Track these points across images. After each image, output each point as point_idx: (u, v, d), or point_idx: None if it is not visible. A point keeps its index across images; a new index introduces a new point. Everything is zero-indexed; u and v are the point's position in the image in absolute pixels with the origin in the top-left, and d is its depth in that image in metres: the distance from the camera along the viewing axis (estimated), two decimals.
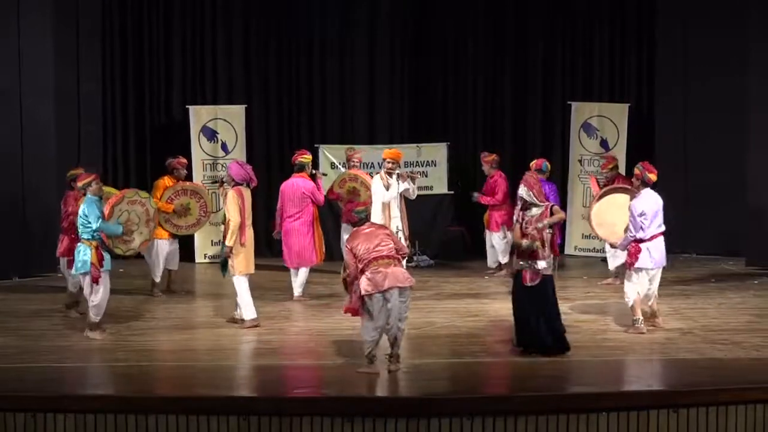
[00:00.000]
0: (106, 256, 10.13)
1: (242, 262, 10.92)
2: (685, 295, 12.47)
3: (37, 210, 13.61)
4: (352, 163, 13.81)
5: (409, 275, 9.00)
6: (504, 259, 13.71)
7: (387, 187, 12.02)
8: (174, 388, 8.80)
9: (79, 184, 10.39)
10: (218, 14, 16.02)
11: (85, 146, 15.10)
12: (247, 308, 10.92)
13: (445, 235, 15.69)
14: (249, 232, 11.01)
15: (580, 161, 15.85)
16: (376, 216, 11.77)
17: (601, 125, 15.88)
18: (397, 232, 11.87)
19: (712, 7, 15.40)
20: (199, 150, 15.45)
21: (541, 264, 9.66)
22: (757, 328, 10.68)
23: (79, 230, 10.15)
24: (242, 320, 10.96)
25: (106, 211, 10.04)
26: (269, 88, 16.23)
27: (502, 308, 11.67)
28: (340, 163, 15.55)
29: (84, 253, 10.04)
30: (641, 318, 10.50)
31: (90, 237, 10.01)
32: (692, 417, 8.09)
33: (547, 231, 9.76)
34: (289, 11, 16.10)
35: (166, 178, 12.85)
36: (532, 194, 9.71)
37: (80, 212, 10.10)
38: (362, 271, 8.80)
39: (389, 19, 16.27)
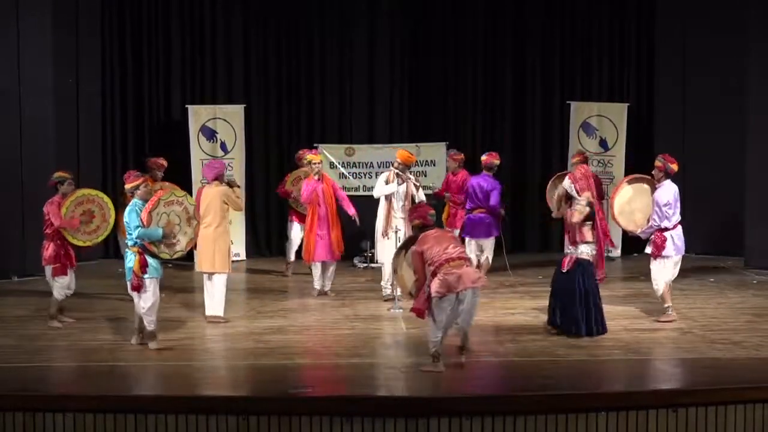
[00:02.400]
0: (152, 263, 9.88)
1: (197, 259, 11.13)
2: (685, 295, 12.46)
3: (37, 210, 13.54)
4: (302, 162, 13.56)
5: (481, 274, 9.09)
6: None
7: (387, 182, 12.26)
8: (174, 388, 8.79)
9: (127, 186, 10.11)
10: (218, 14, 16.02)
11: (85, 146, 15.11)
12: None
13: None
14: (204, 232, 10.84)
15: None
16: (381, 211, 12.23)
17: (600, 125, 15.89)
18: (396, 232, 11.93)
19: (712, 7, 15.40)
20: (198, 149, 15.43)
21: (581, 248, 10.15)
22: (756, 328, 10.69)
23: (126, 237, 10.04)
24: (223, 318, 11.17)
25: (144, 218, 9.80)
26: (269, 87, 16.22)
27: (502, 308, 11.70)
28: (339, 163, 15.56)
29: (129, 261, 9.89)
30: (671, 305, 10.85)
31: (133, 243, 9.87)
32: (692, 417, 8.10)
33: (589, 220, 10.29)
34: (289, 11, 16.10)
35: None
36: (574, 188, 10.03)
37: (124, 219, 9.96)
38: (434, 274, 8.81)
39: (389, 18, 16.26)
